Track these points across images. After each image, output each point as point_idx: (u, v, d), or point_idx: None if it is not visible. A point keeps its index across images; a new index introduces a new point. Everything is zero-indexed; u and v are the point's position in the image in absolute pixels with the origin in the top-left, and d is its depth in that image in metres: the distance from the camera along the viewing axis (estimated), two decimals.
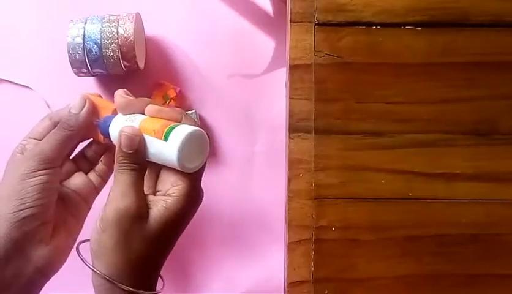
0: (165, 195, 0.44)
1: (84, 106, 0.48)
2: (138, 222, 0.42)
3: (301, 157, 0.51)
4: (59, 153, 0.47)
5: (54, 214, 0.47)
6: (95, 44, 0.75)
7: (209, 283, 0.83)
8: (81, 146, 0.52)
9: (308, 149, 0.51)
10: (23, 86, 0.84)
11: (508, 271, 0.51)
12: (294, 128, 0.51)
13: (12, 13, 0.85)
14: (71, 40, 0.76)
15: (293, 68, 0.51)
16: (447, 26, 0.51)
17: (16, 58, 0.85)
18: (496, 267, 0.51)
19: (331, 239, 0.51)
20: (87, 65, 0.77)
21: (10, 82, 0.84)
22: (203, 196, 0.47)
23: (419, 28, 0.51)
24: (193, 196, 0.44)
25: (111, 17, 0.77)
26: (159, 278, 0.47)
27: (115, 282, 0.42)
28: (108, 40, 0.76)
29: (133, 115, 0.45)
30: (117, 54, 0.76)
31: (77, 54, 0.76)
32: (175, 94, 0.80)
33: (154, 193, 0.45)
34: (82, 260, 0.45)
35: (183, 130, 0.42)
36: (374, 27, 0.51)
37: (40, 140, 0.48)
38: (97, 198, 0.53)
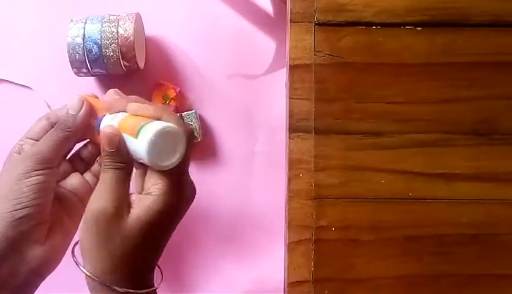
0: (147, 194, 0.44)
1: (82, 108, 0.48)
2: (116, 222, 0.42)
3: (301, 157, 0.51)
4: (56, 153, 0.47)
5: (50, 214, 0.47)
6: (95, 44, 0.75)
7: (209, 283, 0.83)
8: (77, 146, 0.52)
9: (308, 149, 0.51)
10: (23, 86, 0.84)
11: (508, 271, 0.51)
12: (294, 128, 0.51)
13: (12, 13, 0.85)
14: (71, 40, 0.76)
15: (293, 68, 0.51)
16: (447, 26, 0.51)
17: (16, 58, 0.85)
18: (496, 267, 0.51)
19: (331, 239, 0.50)
20: (87, 65, 0.77)
21: (10, 82, 0.84)
22: (193, 194, 0.47)
23: (419, 28, 0.51)
24: (175, 195, 0.44)
25: (111, 17, 0.77)
26: (159, 271, 0.47)
27: (97, 280, 0.42)
28: (108, 40, 0.76)
29: (116, 114, 0.46)
30: (117, 54, 0.76)
31: (77, 54, 0.76)
32: (175, 94, 0.80)
33: (141, 192, 0.45)
34: (74, 260, 0.45)
35: (153, 127, 0.42)
36: (374, 27, 0.51)
37: (37, 140, 0.48)
38: None
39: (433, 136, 0.51)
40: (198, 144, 0.81)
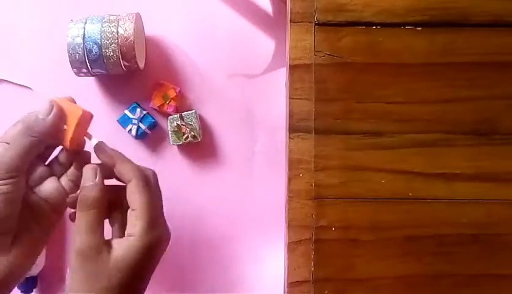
0: (127, 236, 0.46)
1: (51, 112, 0.47)
2: (99, 260, 0.44)
3: (301, 157, 0.51)
4: (22, 161, 0.45)
5: (18, 222, 0.46)
6: (95, 44, 0.75)
7: (209, 283, 0.83)
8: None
9: (308, 149, 0.51)
10: (23, 86, 0.84)
11: (508, 271, 0.51)
12: (294, 128, 0.51)
13: (12, 13, 0.85)
14: (71, 40, 0.76)
15: (293, 68, 0.51)
16: (447, 26, 0.51)
17: (16, 58, 0.85)
18: (497, 267, 0.51)
19: (331, 239, 0.50)
20: (87, 65, 0.77)
21: (10, 82, 0.84)
22: (169, 236, 0.49)
23: (419, 28, 0.51)
24: (152, 234, 0.46)
25: (111, 17, 0.77)
26: None
27: None
28: (108, 40, 0.76)
29: None
30: (117, 54, 0.76)
31: (77, 54, 0.76)
32: (175, 94, 0.80)
33: (120, 237, 0.48)
34: None
35: None
36: (374, 27, 0.51)
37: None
38: None
39: (433, 136, 0.51)
40: (198, 144, 0.81)
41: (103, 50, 0.76)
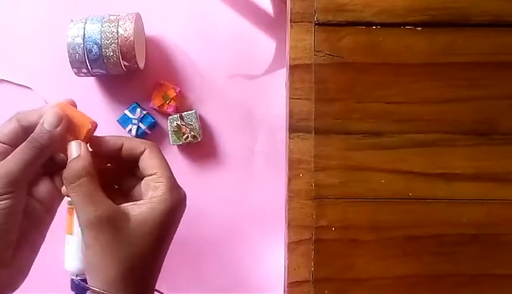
0: (149, 199, 0.43)
1: (59, 124, 0.44)
2: (112, 230, 0.41)
3: (301, 157, 0.51)
4: (26, 173, 0.43)
5: (17, 233, 0.43)
6: (95, 44, 0.75)
7: (209, 283, 0.83)
8: None
9: (308, 149, 0.51)
10: (23, 86, 0.84)
11: (508, 271, 0.51)
12: (294, 128, 0.51)
13: (12, 13, 0.85)
14: (71, 40, 0.76)
15: (293, 68, 0.51)
16: (447, 26, 0.51)
17: (16, 58, 0.85)
18: (497, 267, 0.51)
19: (331, 239, 0.50)
20: (87, 65, 0.77)
21: (10, 82, 0.84)
22: (185, 199, 0.45)
23: (419, 28, 0.51)
24: (178, 192, 0.43)
25: (111, 17, 0.77)
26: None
27: None
28: (108, 40, 0.76)
29: None
30: (117, 54, 0.76)
31: (77, 54, 0.76)
32: (175, 94, 0.80)
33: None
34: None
35: None
36: (374, 27, 0.51)
37: (4, 144, 0.44)
38: None
39: (433, 136, 0.51)
40: (198, 144, 0.81)
41: (103, 50, 0.76)
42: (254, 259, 0.83)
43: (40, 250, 0.47)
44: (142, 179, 0.45)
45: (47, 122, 0.44)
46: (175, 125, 0.79)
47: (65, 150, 0.46)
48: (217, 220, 0.83)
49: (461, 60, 0.51)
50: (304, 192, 0.51)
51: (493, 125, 0.51)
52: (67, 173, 0.43)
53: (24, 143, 0.43)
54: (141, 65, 0.81)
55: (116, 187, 0.48)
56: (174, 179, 0.44)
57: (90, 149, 0.46)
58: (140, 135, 0.80)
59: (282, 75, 0.78)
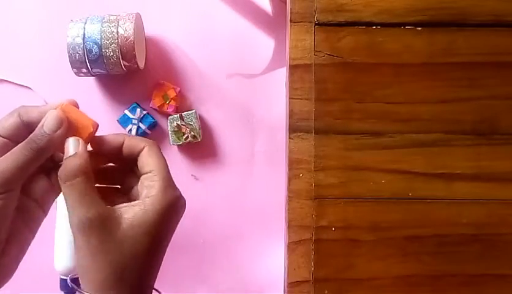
0: (143, 199, 0.42)
1: (60, 128, 0.43)
2: (103, 232, 0.40)
3: (301, 157, 0.51)
4: (20, 174, 0.42)
5: (8, 231, 0.43)
6: (95, 44, 0.75)
7: (208, 283, 0.83)
8: None
9: (308, 149, 0.51)
10: (23, 86, 0.84)
11: (508, 271, 0.51)
12: (294, 128, 0.51)
13: (12, 13, 0.85)
14: (71, 40, 0.76)
15: (293, 68, 0.51)
16: (447, 26, 0.51)
17: (16, 58, 0.85)
18: (497, 267, 0.51)
19: (331, 239, 0.50)
20: (87, 65, 0.77)
21: (10, 82, 0.84)
22: (185, 202, 0.44)
23: (419, 28, 0.51)
24: (172, 193, 0.42)
25: (111, 17, 0.77)
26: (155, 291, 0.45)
27: None
28: (108, 40, 0.76)
29: None
30: (117, 54, 0.76)
31: (77, 54, 0.76)
32: (175, 94, 0.80)
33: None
34: (73, 287, 0.43)
35: None
36: (374, 27, 0.51)
37: (5, 138, 0.43)
38: None
39: (433, 136, 0.51)
40: (198, 144, 0.81)
41: (103, 50, 0.76)
42: (254, 259, 0.83)
43: (29, 249, 0.46)
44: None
45: (47, 125, 0.43)
46: (175, 125, 0.79)
47: (62, 150, 0.45)
48: (216, 220, 0.83)
49: (461, 60, 0.51)
50: (304, 192, 0.51)
51: (493, 125, 0.51)
52: (62, 171, 0.42)
53: (22, 143, 0.42)
54: (141, 65, 0.81)
55: (118, 186, 0.47)
56: (171, 178, 0.44)
57: (90, 149, 0.46)
58: (140, 135, 0.80)
59: (282, 74, 0.78)
